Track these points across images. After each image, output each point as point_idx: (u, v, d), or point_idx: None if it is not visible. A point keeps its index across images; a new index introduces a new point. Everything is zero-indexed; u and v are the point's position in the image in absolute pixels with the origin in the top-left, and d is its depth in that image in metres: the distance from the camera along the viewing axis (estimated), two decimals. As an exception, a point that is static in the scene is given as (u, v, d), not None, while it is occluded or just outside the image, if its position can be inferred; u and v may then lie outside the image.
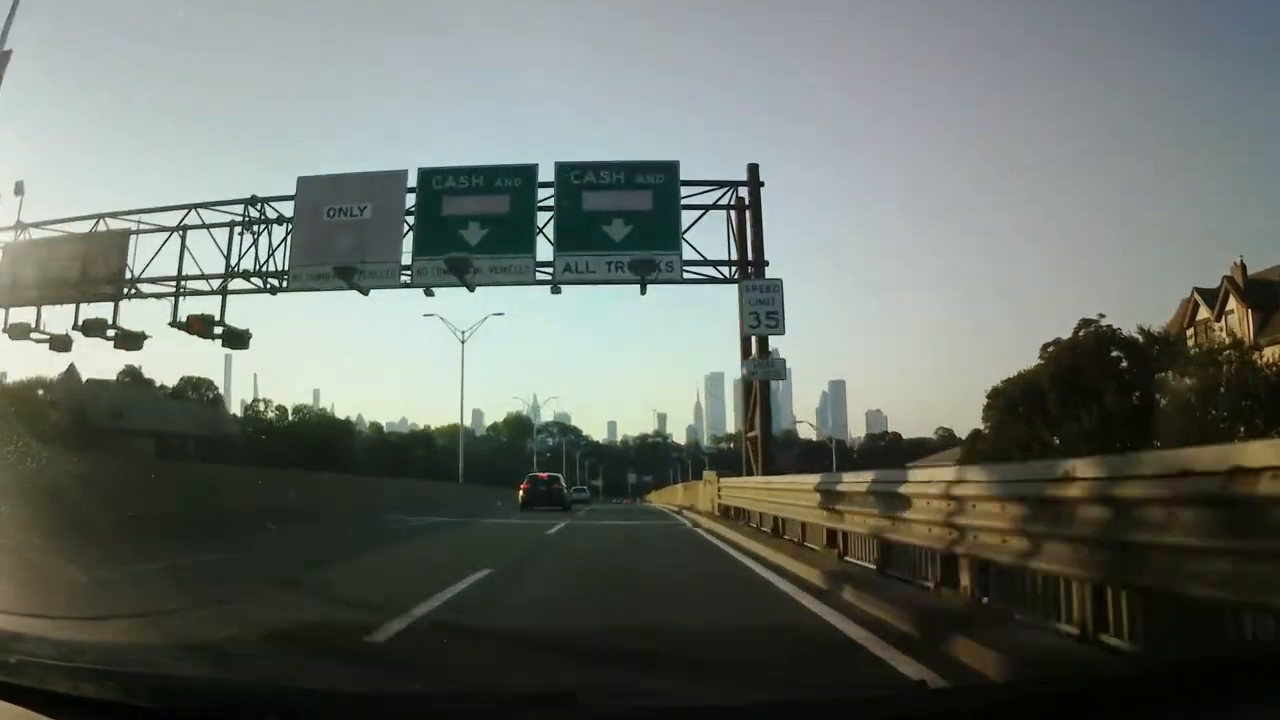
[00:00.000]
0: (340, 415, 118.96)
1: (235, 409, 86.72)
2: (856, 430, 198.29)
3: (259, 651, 4.62)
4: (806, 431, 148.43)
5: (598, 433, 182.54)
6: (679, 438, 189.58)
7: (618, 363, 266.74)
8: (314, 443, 66.83)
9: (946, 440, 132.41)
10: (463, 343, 46.27)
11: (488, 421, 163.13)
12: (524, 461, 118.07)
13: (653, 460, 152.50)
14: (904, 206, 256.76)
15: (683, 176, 21.85)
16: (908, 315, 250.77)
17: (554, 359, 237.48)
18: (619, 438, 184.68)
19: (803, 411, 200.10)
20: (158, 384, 72.11)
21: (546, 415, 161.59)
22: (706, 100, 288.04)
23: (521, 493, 29.87)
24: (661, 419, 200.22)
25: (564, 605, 7.37)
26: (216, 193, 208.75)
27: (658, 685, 4.11)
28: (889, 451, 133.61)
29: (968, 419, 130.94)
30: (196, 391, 75.44)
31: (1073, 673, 3.78)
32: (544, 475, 32.94)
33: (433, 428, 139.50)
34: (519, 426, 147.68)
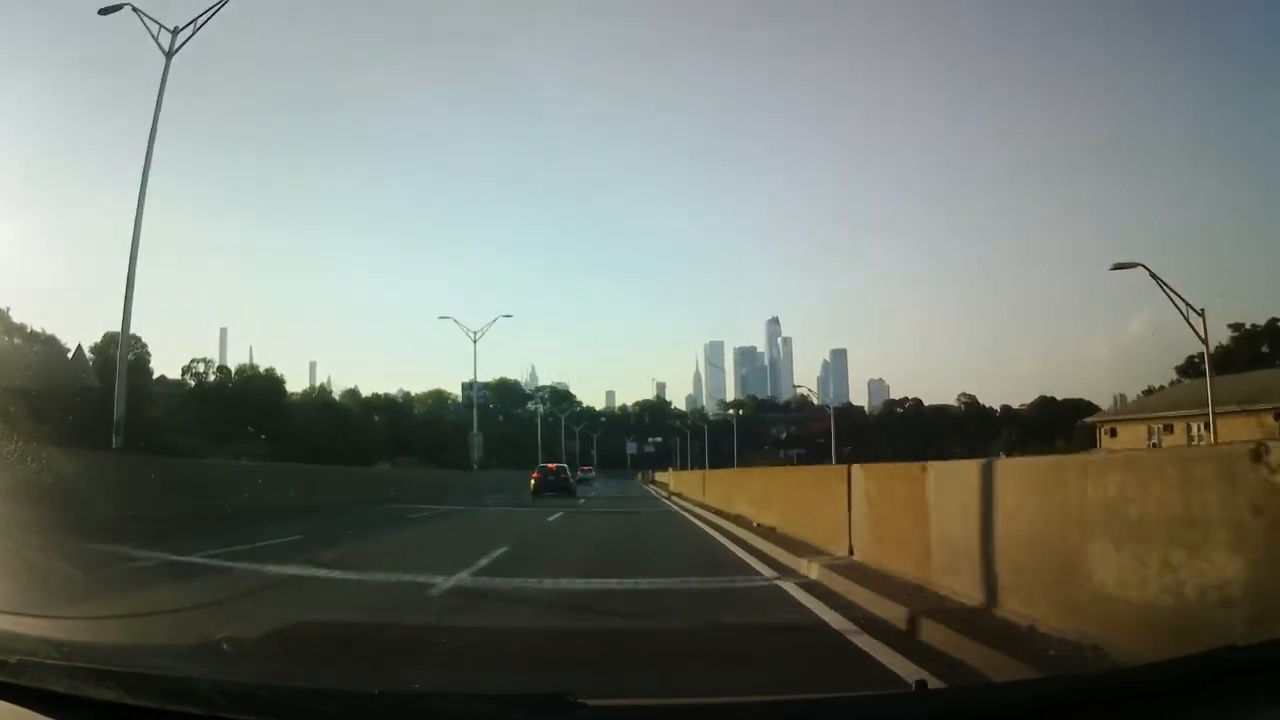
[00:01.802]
0: (339, 386, 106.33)
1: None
2: (858, 399, 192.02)
3: (259, 651, 4.63)
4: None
5: (597, 402, 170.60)
6: (678, 407, 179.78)
7: (616, 333, 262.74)
8: (236, 407, 56.81)
9: (970, 405, 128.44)
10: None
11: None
12: (510, 433, 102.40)
13: (654, 428, 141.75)
14: (910, 183, 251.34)
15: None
16: (910, 288, 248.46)
17: (553, 332, 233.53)
18: (617, 405, 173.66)
19: (803, 380, 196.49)
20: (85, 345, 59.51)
21: (513, 367, 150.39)
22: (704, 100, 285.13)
23: (533, 482, 35.93)
24: (660, 388, 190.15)
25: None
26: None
27: (657, 684, 4.12)
28: (912, 417, 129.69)
29: (978, 387, 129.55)
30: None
31: (1071, 673, 3.78)
32: (553, 466, 39.08)
33: (413, 393, 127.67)
34: (508, 392, 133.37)
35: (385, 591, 7.72)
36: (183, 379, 71.28)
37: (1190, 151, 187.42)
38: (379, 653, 4.95)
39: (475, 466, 55.02)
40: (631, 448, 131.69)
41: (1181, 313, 29.79)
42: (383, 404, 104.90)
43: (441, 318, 49.86)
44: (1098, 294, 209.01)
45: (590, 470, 74.89)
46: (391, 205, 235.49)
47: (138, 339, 67.44)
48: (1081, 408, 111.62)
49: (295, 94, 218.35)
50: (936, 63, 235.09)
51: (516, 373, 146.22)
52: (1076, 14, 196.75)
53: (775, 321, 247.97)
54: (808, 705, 2.50)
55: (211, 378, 70.04)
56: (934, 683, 3.53)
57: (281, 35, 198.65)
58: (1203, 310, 30.11)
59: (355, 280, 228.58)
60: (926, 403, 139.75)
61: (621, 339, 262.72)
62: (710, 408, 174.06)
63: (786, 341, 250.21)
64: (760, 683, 4.26)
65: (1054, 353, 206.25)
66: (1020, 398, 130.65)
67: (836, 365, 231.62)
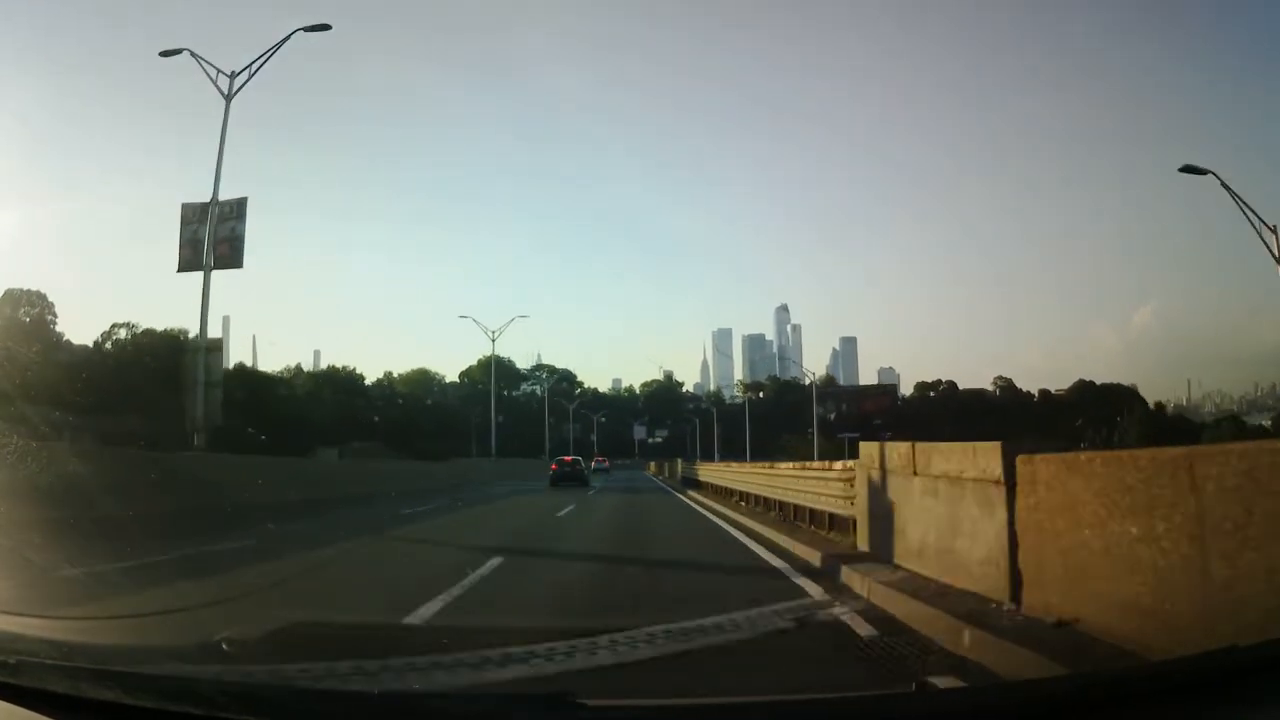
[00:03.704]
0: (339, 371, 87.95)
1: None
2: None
3: (259, 651, 4.62)
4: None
5: (602, 384, 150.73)
6: (690, 389, 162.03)
7: (622, 321, 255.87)
8: (129, 377, 43.52)
9: (1006, 388, 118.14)
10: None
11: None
12: (503, 417, 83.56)
13: (664, 414, 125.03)
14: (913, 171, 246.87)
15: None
16: (915, 278, 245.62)
17: (557, 320, 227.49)
18: (624, 387, 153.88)
19: (812, 366, 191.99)
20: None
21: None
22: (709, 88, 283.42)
23: (552, 472, 38.56)
24: (668, 376, 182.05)
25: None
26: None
27: (653, 683, 4.11)
28: (945, 400, 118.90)
29: (982, 375, 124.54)
30: (27, 307, 57.04)
31: (1073, 672, 3.78)
32: (569, 459, 41.82)
33: (395, 374, 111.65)
34: (502, 372, 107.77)
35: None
36: (101, 346, 58.70)
37: (1191, 146, 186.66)
38: (379, 652, 4.94)
39: (195, 441, 21.83)
40: (639, 433, 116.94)
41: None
42: (341, 380, 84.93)
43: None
44: (1103, 284, 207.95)
45: (604, 462, 72.05)
46: (403, 195, 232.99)
47: (43, 296, 57.63)
48: (1120, 392, 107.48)
49: (307, 86, 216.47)
50: (942, 53, 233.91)
51: (521, 361, 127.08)
52: (1080, 9, 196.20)
53: (784, 309, 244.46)
54: (807, 705, 2.49)
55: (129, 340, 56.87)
56: (934, 683, 3.53)
57: (288, 27, 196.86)
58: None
59: (368, 270, 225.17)
60: (958, 387, 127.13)
61: (627, 327, 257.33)
62: (725, 394, 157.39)
63: (796, 329, 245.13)
64: (761, 680, 4.26)
65: (1059, 342, 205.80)
66: (1031, 385, 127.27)
67: (846, 353, 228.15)
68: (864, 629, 5.50)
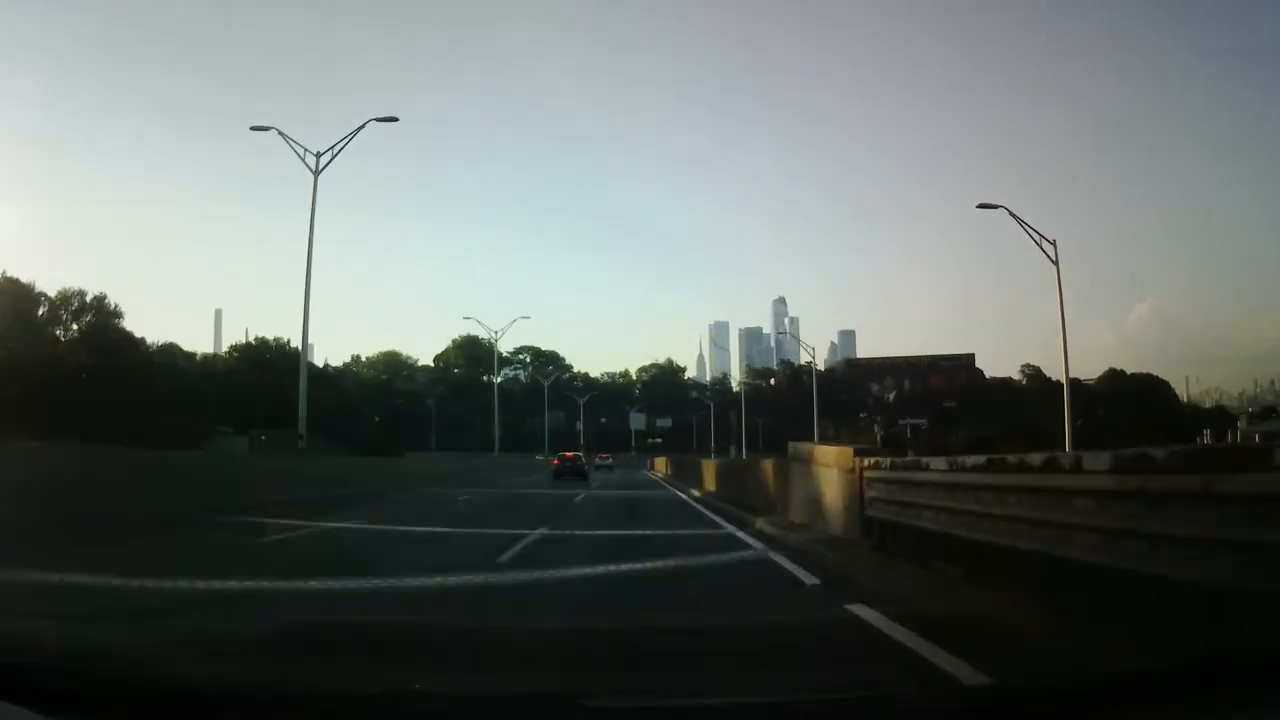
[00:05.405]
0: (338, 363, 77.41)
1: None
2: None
3: (259, 651, 4.62)
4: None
5: (593, 370, 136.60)
6: (693, 375, 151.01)
7: (616, 314, 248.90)
8: None
9: (1034, 377, 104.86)
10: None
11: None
12: (475, 406, 76.68)
13: (664, 402, 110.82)
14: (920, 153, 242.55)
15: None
16: (911, 271, 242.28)
17: (550, 312, 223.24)
18: (619, 371, 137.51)
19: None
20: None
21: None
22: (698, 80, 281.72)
23: (554, 466, 40.00)
24: (669, 361, 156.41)
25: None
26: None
27: (659, 684, 4.11)
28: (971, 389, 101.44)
29: (1007, 362, 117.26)
30: None
31: (1072, 672, 3.78)
32: (570, 454, 43.53)
33: (363, 357, 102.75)
34: (475, 354, 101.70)
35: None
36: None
37: (1192, 143, 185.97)
38: (380, 652, 4.93)
39: None
40: (636, 422, 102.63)
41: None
42: (269, 356, 65.14)
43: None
44: (1100, 279, 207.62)
45: (608, 459, 69.21)
46: (400, 188, 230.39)
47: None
48: (1150, 383, 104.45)
49: (302, 78, 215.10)
50: (941, 48, 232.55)
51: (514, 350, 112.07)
52: (1082, 7, 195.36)
53: (782, 301, 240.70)
54: (807, 705, 2.49)
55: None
56: (933, 683, 3.53)
57: (284, 21, 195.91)
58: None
59: (362, 261, 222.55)
60: (985, 375, 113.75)
61: (622, 319, 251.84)
62: (738, 377, 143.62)
63: (794, 321, 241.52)
64: (763, 681, 4.25)
65: (1055, 335, 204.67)
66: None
67: (845, 346, 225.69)
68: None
